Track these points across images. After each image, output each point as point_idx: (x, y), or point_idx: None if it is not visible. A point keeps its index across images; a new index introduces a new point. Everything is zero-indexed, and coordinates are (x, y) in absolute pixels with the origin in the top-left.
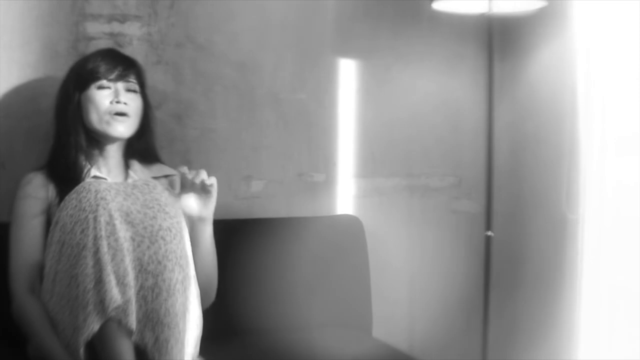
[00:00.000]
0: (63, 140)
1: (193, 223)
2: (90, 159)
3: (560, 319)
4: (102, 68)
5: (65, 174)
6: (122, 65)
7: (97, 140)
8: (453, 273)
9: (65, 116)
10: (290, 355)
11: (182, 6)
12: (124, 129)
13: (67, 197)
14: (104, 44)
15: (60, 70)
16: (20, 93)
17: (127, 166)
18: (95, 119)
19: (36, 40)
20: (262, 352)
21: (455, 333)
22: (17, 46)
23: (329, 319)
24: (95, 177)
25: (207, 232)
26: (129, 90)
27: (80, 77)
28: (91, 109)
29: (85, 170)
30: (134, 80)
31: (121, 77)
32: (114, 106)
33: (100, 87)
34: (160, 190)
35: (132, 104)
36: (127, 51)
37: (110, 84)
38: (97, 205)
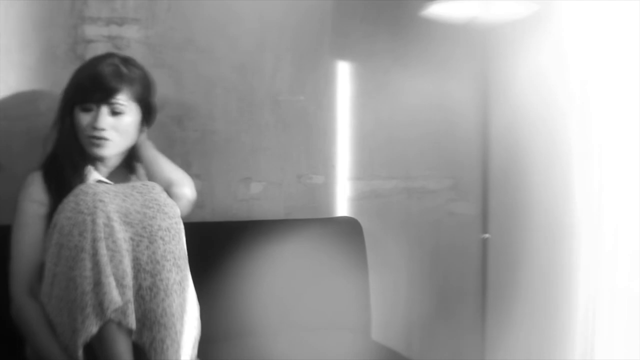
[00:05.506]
0: (60, 153)
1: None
2: (91, 163)
3: (557, 320)
4: (85, 89)
5: (61, 183)
6: (108, 87)
7: None
8: (450, 275)
9: (61, 131)
10: (289, 358)
11: (180, 9)
12: (104, 151)
13: (64, 200)
14: (102, 46)
15: (59, 73)
16: (19, 95)
17: (131, 170)
18: (80, 139)
19: (35, 43)
20: (260, 354)
21: (453, 335)
22: (15, 49)
23: (328, 321)
24: (100, 181)
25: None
26: (114, 112)
27: (70, 95)
28: (77, 130)
29: (85, 173)
30: (121, 102)
31: (104, 100)
32: (92, 131)
33: (84, 110)
34: (159, 191)
35: (116, 126)
36: (126, 54)
37: (93, 106)
38: (95, 207)
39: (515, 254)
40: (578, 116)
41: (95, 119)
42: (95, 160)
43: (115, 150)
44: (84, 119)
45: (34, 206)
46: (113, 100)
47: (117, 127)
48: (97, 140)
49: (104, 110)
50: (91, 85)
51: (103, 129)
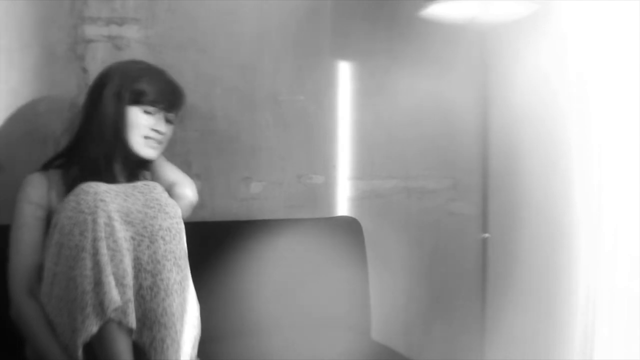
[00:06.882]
0: (97, 147)
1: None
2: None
3: (556, 320)
4: (156, 95)
5: (90, 175)
6: (172, 98)
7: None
8: (450, 274)
9: (106, 124)
10: (289, 357)
11: (180, 9)
12: (154, 153)
13: (65, 199)
14: (102, 46)
15: (59, 73)
16: (18, 95)
17: (134, 176)
18: (131, 138)
19: (35, 43)
20: (260, 353)
21: (452, 334)
22: (15, 49)
23: (328, 320)
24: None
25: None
26: (167, 120)
27: (132, 93)
28: (130, 128)
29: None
30: (175, 113)
31: (166, 109)
32: (153, 134)
33: (146, 112)
34: (160, 191)
35: (167, 134)
36: (126, 54)
37: (154, 111)
38: (96, 207)
39: (515, 253)
40: (577, 116)
41: (157, 122)
42: (144, 161)
43: (158, 155)
44: (145, 119)
45: (31, 207)
46: (172, 111)
47: (168, 135)
48: (155, 143)
49: (163, 116)
50: (168, 94)
51: (164, 134)
